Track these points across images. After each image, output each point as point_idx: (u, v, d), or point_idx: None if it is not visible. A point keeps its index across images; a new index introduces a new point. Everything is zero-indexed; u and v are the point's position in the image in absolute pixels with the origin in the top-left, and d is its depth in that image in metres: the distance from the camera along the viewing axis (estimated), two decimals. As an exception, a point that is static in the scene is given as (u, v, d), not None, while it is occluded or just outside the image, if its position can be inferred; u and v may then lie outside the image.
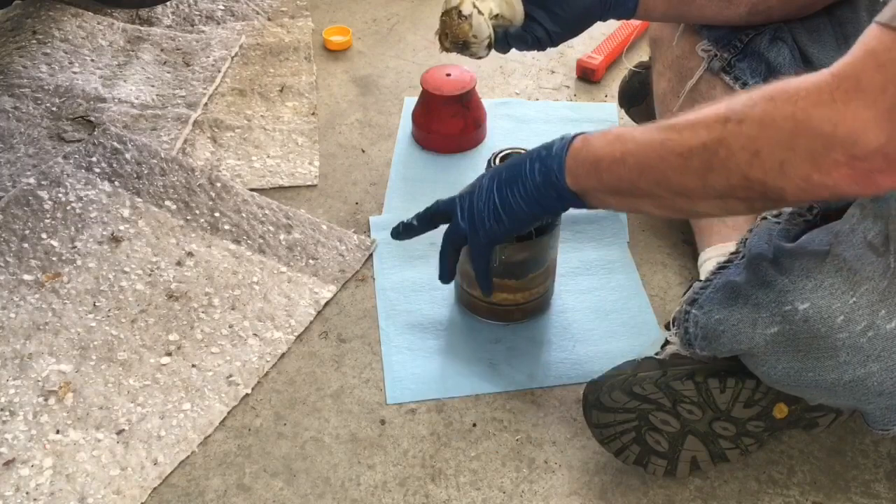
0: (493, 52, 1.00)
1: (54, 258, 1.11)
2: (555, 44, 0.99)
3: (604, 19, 0.99)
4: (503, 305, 1.03)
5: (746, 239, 0.77)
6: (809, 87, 0.58)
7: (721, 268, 0.78)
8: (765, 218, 0.78)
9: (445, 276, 0.92)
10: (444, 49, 1.00)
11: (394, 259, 1.15)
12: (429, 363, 1.02)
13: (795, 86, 0.59)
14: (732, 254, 0.78)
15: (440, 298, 1.09)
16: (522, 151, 1.19)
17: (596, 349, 1.02)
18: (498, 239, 0.85)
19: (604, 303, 1.08)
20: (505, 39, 0.99)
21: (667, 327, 0.89)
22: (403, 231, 0.94)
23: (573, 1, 0.95)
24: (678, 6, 0.99)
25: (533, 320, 1.06)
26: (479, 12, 0.95)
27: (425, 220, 0.92)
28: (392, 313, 1.08)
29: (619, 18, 1.00)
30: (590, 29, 1.00)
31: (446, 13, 0.97)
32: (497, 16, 0.96)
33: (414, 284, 1.11)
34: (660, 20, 1.08)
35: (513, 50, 1.00)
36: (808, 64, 0.98)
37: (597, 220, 1.18)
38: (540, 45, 0.99)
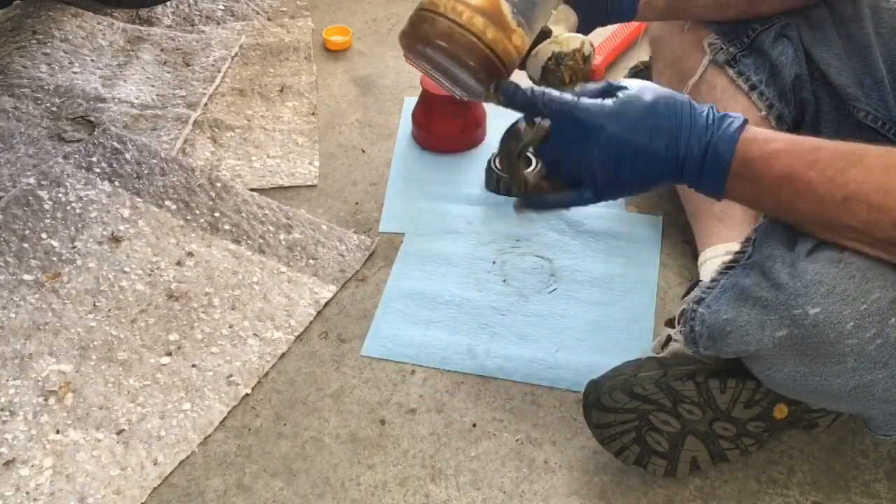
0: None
1: (54, 258, 1.11)
2: None
3: (604, 24, 0.99)
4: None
5: (752, 238, 0.77)
6: None
7: (728, 268, 0.78)
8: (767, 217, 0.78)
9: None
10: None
11: (427, 227, 1.19)
12: (414, 330, 1.05)
13: None
14: (738, 253, 0.78)
15: (453, 275, 1.12)
16: None
17: (577, 359, 1.01)
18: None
19: (606, 319, 1.07)
20: None
21: (669, 325, 0.89)
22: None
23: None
24: (676, 3, 0.99)
25: (530, 317, 1.06)
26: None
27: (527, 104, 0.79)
28: (404, 276, 1.12)
29: (619, 22, 1.00)
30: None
31: (567, 56, 0.86)
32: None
33: (436, 256, 1.15)
34: (657, 19, 1.08)
35: None
36: (810, 63, 0.98)
37: (636, 239, 1.17)
38: None
